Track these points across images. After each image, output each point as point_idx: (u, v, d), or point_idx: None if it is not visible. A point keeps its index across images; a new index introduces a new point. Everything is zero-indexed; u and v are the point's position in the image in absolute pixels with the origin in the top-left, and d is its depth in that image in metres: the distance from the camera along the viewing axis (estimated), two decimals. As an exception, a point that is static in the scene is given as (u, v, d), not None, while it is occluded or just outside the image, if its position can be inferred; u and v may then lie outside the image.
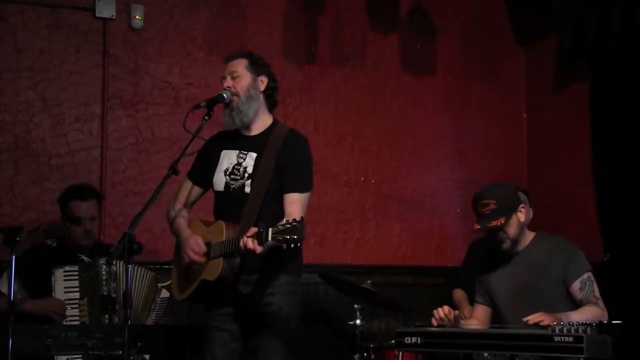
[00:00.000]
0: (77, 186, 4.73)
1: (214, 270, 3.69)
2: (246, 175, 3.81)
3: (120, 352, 3.84)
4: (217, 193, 3.92)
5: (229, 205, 3.83)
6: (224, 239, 3.67)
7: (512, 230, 3.87)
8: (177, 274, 3.98)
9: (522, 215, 3.92)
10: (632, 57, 5.03)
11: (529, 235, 3.97)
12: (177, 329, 4.29)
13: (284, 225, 3.34)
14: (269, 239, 3.37)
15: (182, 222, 3.95)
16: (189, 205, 4.04)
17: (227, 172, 3.86)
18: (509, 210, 3.86)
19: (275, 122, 3.96)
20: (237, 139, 3.92)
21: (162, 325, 4.44)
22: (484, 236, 5.07)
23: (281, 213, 3.72)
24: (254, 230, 3.46)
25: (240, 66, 3.90)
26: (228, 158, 3.89)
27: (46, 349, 3.85)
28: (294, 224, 3.32)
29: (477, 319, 4.06)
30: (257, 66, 3.92)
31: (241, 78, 3.87)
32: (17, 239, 3.75)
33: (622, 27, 4.95)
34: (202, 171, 3.99)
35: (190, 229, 3.92)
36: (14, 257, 3.69)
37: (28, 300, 4.32)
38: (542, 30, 5.96)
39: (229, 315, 3.83)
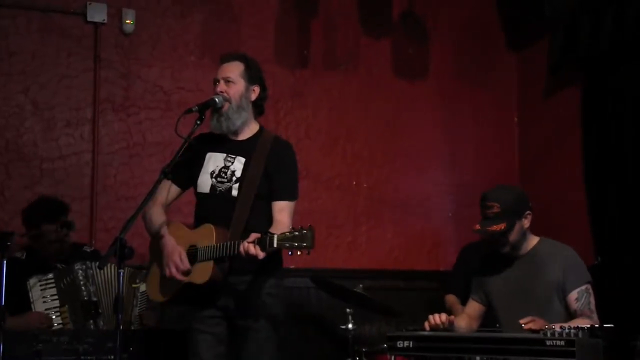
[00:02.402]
0: (44, 206, 4.57)
1: (203, 273, 3.65)
2: (234, 178, 3.80)
3: (112, 356, 3.84)
4: (200, 195, 3.87)
5: (214, 208, 3.79)
6: (214, 242, 3.65)
7: (512, 236, 3.82)
8: (157, 275, 3.85)
9: (527, 221, 3.85)
10: (624, 58, 5.04)
11: (533, 240, 3.91)
12: (171, 334, 4.25)
13: (291, 232, 3.35)
14: (274, 245, 3.37)
15: (163, 225, 3.81)
16: (166, 205, 3.93)
17: (214, 175, 3.83)
18: (513, 215, 3.80)
19: (261, 129, 3.95)
20: (225, 143, 3.89)
21: (156, 329, 4.42)
22: (475, 241, 5.11)
23: (268, 218, 3.75)
24: (255, 236, 3.45)
25: (236, 72, 3.87)
26: (214, 160, 3.86)
27: (37, 354, 3.84)
28: (304, 231, 3.33)
29: (468, 314, 4.06)
30: (252, 74, 3.89)
31: (235, 85, 3.85)
32: (8, 243, 3.75)
33: (614, 29, 4.97)
34: (184, 171, 3.89)
35: (170, 232, 3.81)
36: (5, 262, 3.69)
37: (8, 318, 4.09)
38: (534, 35, 5.97)
39: (214, 317, 3.80)
